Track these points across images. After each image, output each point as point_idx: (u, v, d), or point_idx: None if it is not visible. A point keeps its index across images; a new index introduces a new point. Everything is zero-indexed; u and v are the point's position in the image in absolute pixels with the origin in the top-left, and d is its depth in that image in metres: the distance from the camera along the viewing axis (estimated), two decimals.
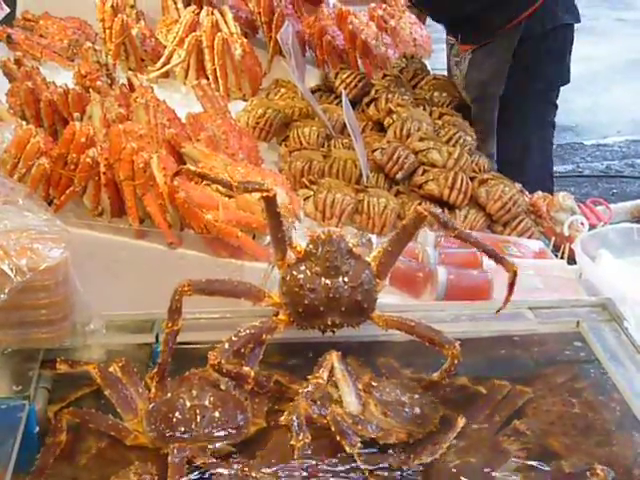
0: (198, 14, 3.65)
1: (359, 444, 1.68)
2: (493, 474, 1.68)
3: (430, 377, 1.90)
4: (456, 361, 1.84)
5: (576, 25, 3.80)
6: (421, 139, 3.08)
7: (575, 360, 2.04)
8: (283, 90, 3.58)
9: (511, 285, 1.98)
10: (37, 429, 1.76)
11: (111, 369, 1.86)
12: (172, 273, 2.09)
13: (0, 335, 1.83)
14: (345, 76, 3.57)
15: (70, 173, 2.41)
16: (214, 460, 1.67)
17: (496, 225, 2.88)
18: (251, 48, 3.67)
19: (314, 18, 4.09)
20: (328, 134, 3.20)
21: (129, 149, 2.36)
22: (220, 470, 1.64)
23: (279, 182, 2.61)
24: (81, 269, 1.90)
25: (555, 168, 6.63)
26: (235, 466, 1.66)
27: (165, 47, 3.75)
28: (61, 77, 3.13)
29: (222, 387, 1.82)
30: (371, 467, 1.66)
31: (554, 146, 4.06)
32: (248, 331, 1.83)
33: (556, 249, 2.74)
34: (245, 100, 3.51)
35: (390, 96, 3.42)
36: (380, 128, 3.33)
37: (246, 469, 1.64)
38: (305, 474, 1.64)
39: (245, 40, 3.63)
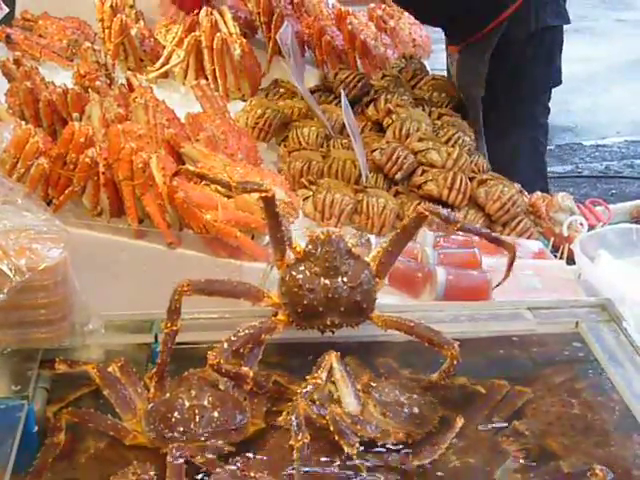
0: (197, 14, 3.65)
1: (358, 444, 1.68)
2: (492, 474, 1.68)
3: (429, 377, 1.90)
4: (455, 362, 1.84)
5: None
6: (420, 139, 3.08)
7: (574, 360, 2.04)
8: (282, 90, 3.58)
9: (510, 264, 2.06)
10: (36, 429, 1.76)
11: (110, 369, 1.86)
12: (171, 273, 2.09)
13: None
14: (344, 76, 3.57)
15: (69, 173, 2.41)
16: (213, 460, 1.66)
17: (495, 225, 2.88)
18: (250, 48, 3.67)
19: (313, 18, 4.09)
20: (327, 134, 3.20)
21: (128, 149, 2.36)
22: (219, 470, 1.64)
23: (278, 182, 2.61)
24: (80, 269, 1.90)
25: (554, 168, 6.68)
26: (234, 466, 1.66)
27: (164, 47, 3.75)
28: (60, 77, 3.13)
29: (221, 387, 1.82)
30: (370, 467, 1.66)
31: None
32: (247, 331, 1.83)
33: (555, 249, 2.74)
34: (244, 100, 3.51)
35: (389, 96, 3.42)
36: (379, 128, 3.33)
37: (245, 469, 1.64)
38: (304, 474, 1.64)
39: (244, 40, 3.63)
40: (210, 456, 1.67)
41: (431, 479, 1.67)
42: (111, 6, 3.72)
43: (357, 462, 1.66)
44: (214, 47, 3.54)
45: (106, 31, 3.72)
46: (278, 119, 3.26)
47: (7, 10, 3.80)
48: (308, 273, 1.90)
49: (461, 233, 2.58)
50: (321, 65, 3.96)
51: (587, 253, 2.40)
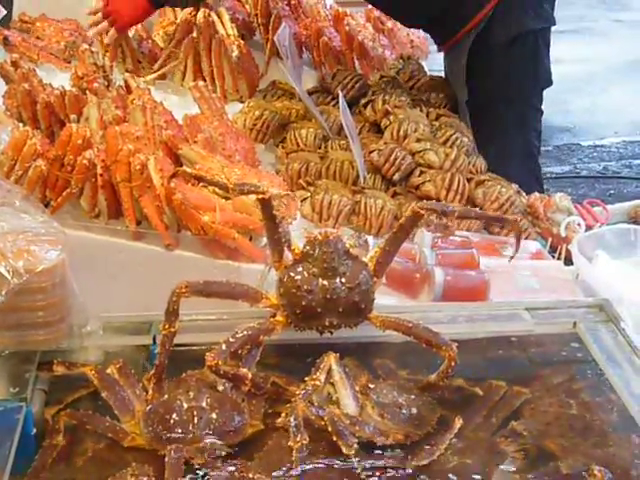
0: (195, 16, 3.65)
1: (356, 445, 1.68)
2: (490, 475, 1.68)
3: (427, 378, 1.90)
4: (453, 363, 1.84)
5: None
6: (418, 140, 3.08)
7: (572, 361, 2.04)
8: (280, 92, 3.58)
9: (518, 240, 2.10)
10: (34, 431, 1.76)
11: (108, 371, 1.85)
12: (169, 275, 2.09)
13: None
14: (342, 77, 3.57)
15: (67, 175, 2.41)
16: (211, 462, 1.67)
17: (493, 226, 2.88)
18: (248, 50, 3.67)
19: (311, 19, 4.09)
20: (325, 135, 3.21)
21: (126, 151, 2.36)
22: (217, 472, 1.64)
23: (276, 184, 2.61)
24: (78, 271, 1.90)
25: (552, 169, 6.68)
26: (232, 468, 1.66)
27: (162, 49, 3.75)
28: (58, 79, 3.12)
29: (219, 389, 1.81)
30: (368, 468, 1.66)
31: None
32: (245, 332, 1.83)
33: (553, 250, 2.74)
34: (242, 102, 3.51)
35: (387, 97, 3.42)
36: (377, 129, 3.33)
37: (243, 471, 1.65)
38: (302, 475, 1.64)
39: (242, 42, 3.63)
40: (208, 458, 1.67)
41: None
42: None
43: (355, 463, 1.66)
44: (212, 49, 3.54)
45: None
46: (276, 120, 3.26)
47: (4, 12, 3.80)
48: (306, 274, 1.90)
49: (458, 233, 2.59)
50: (319, 66, 3.96)
51: (585, 253, 2.40)
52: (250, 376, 1.81)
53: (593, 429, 1.82)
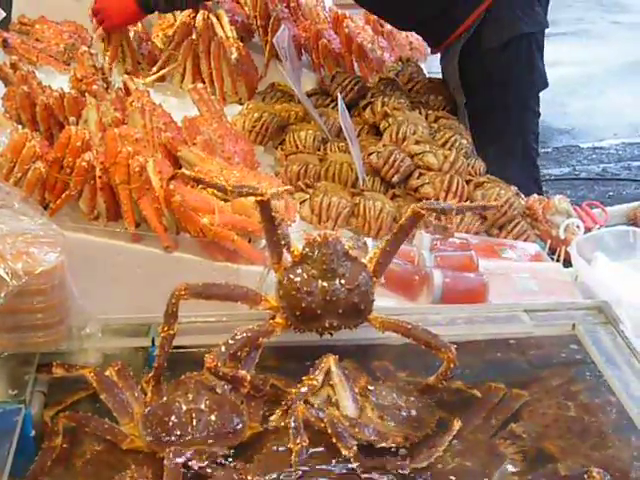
0: (194, 18, 3.65)
1: (355, 447, 1.68)
2: (489, 477, 1.68)
3: (426, 380, 1.90)
4: (452, 365, 1.85)
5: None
6: (417, 142, 3.08)
7: (571, 363, 2.04)
8: (279, 94, 3.58)
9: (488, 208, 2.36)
10: (33, 433, 1.76)
11: (107, 373, 1.85)
12: (168, 277, 2.09)
13: None
14: (341, 80, 3.58)
15: (66, 177, 2.40)
16: (210, 464, 1.66)
17: (492, 228, 2.88)
18: (247, 52, 3.67)
19: (310, 22, 4.09)
20: (324, 137, 3.21)
21: (125, 153, 2.36)
22: (216, 474, 1.64)
23: (275, 186, 2.61)
24: (77, 273, 1.90)
25: (551, 171, 6.69)
26: (231, 470, 1.66)
27: (161, 51, 3.75)
28: (57, 81, 3.12)
29: (218, 391, 1.81)
30: (367, 470, 1.66)
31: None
32: (245, 334, 1.83)
33: (552, 252, 2.74)
34: (241, 104, 3.51)
35: (386, 99, 3.42)
36: (376, 131, 3.33)
37: (242, 473, 1.64)
38: (301, 477, 1.64)
39: (241, 44, 3.63)
40: (207, 460, 1.67)
41: None
42: None
43: (355, 465, 1.66)
44: (211, 51, 3.54)
45: None
46: (275, 122, 3.26)
47: (4, 14, 3.81)
48: (305, 276, 1.90)
49: (457, 235, 2.59)
50: (318, 68, 3.96)
51: (584, 255, 2.40)
52: (249, 378, 1.81)
53: (592, 431, 1.82)
